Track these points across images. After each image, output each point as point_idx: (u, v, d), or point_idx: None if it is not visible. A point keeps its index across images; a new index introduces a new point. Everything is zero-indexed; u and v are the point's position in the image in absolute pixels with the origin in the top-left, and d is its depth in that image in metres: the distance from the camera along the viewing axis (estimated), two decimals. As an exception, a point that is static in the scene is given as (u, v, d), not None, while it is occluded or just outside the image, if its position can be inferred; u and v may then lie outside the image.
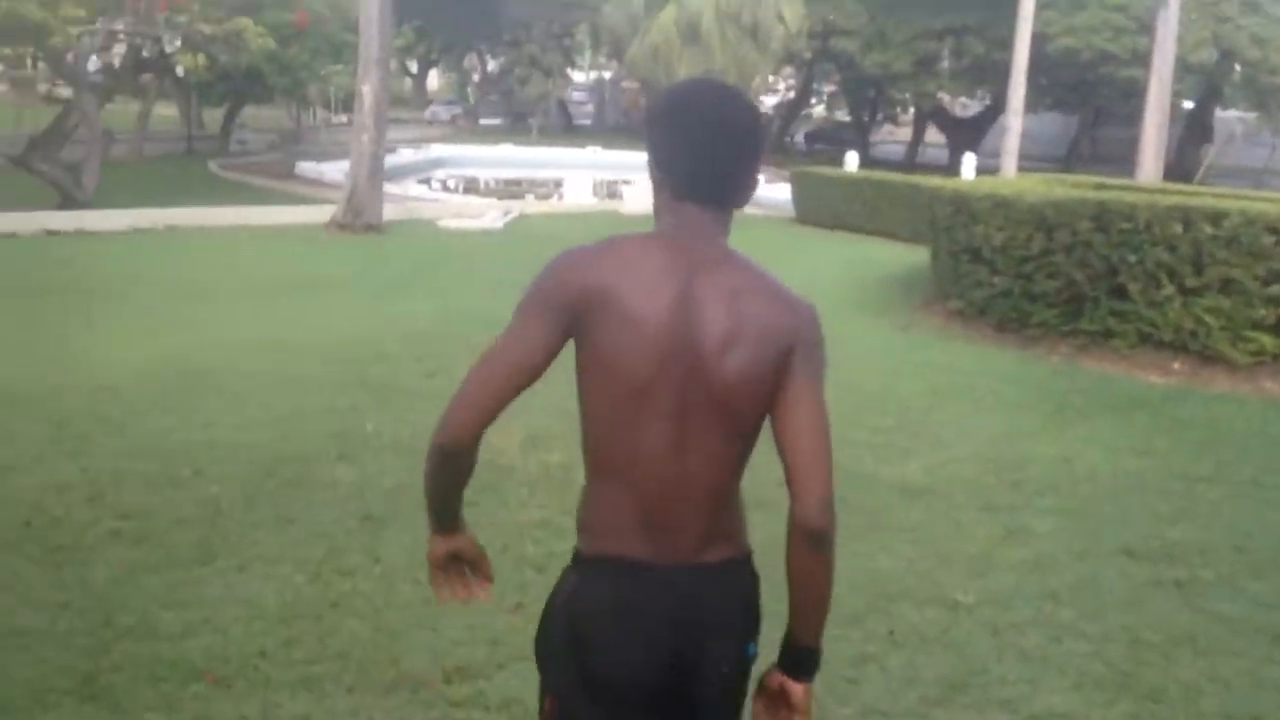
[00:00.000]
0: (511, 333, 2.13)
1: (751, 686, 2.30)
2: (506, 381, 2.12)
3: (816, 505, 2.10)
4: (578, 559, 2.28)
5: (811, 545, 2.13)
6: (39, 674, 4.00)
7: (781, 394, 2.13)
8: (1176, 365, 9.65)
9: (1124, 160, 30.43)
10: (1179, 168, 33.90)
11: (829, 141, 53.19)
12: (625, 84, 56.82)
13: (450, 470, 2.29)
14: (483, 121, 58.77)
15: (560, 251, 2.20)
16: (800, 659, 2.23)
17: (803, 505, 2.11)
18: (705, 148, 2.17)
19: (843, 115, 56.68)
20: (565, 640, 2.23)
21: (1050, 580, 5.17)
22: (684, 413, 2.12)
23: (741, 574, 2.26)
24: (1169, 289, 9.60)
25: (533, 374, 2.12)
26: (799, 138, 56.64)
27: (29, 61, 24.47)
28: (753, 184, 2.27)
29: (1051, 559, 5.44)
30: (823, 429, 2.14)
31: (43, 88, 27.94)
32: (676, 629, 2.17)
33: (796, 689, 2.22)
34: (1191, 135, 40.33)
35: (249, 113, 49.82)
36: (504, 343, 2.13)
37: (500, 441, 6.90)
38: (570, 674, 2.22)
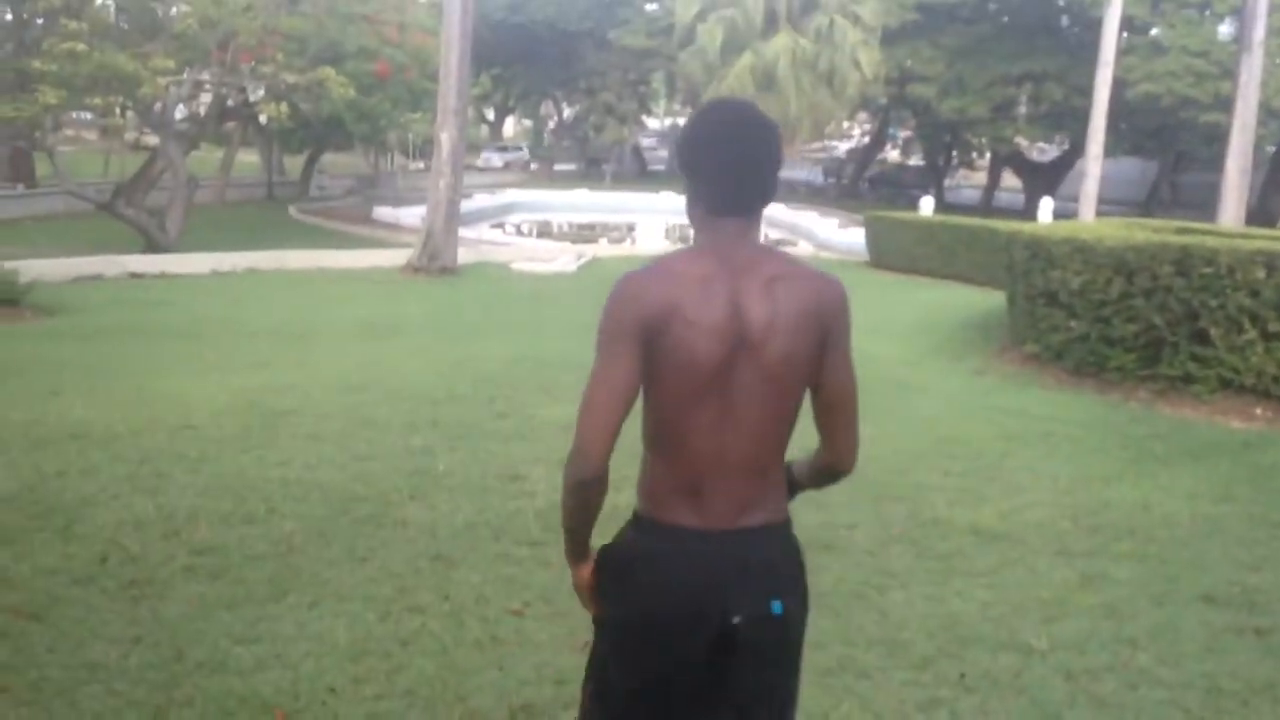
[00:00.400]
0: (604, 364, 2.41)
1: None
2: (615, 406, 2.39)
3: (849, 456, 2.61)
4: (637, 519, 2.58)
5: (835, 479, 2.69)
6: (110, 707, 4.04)
7: (822, 364, 2.49)
8: (1258, 411, 9.45)
9: (1205, 205, 30.00)
10: (1261, 212, 33.37)
11: (893, 185, 53.21)
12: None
13: (590, 501, 2.50)
14: (557, 167, 59.35)
15: (618, 280, 2.45)
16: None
17: (837, 455, 2.61)
18: (729, 170, 2.47)
19: (917, 160, 56.50)
20: (616, 583, 2.56)
21: (1127, 626, 5.06)
22: (735, 394, 2.43)
23: (775, 538, 2.56)
24: (1251, 334, 9.43)
25: (633, 394, 2.42)
26: (862, 183, 56.61)
27: (118, 110, 25.08)
28: (774, 189, 2.52)
29: (1129, 605, 5.32)
30: (854, 393, 2.57)
31: (130, 136, 28.66)
32: (711, 584, 2.45)
33: None
34: (1274, 180, 39.69)
35: (328, 159, 50.78)
36: (601, 375, 2.40)
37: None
38: (619, 613, 2.54)
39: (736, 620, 2.45)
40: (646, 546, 2.52)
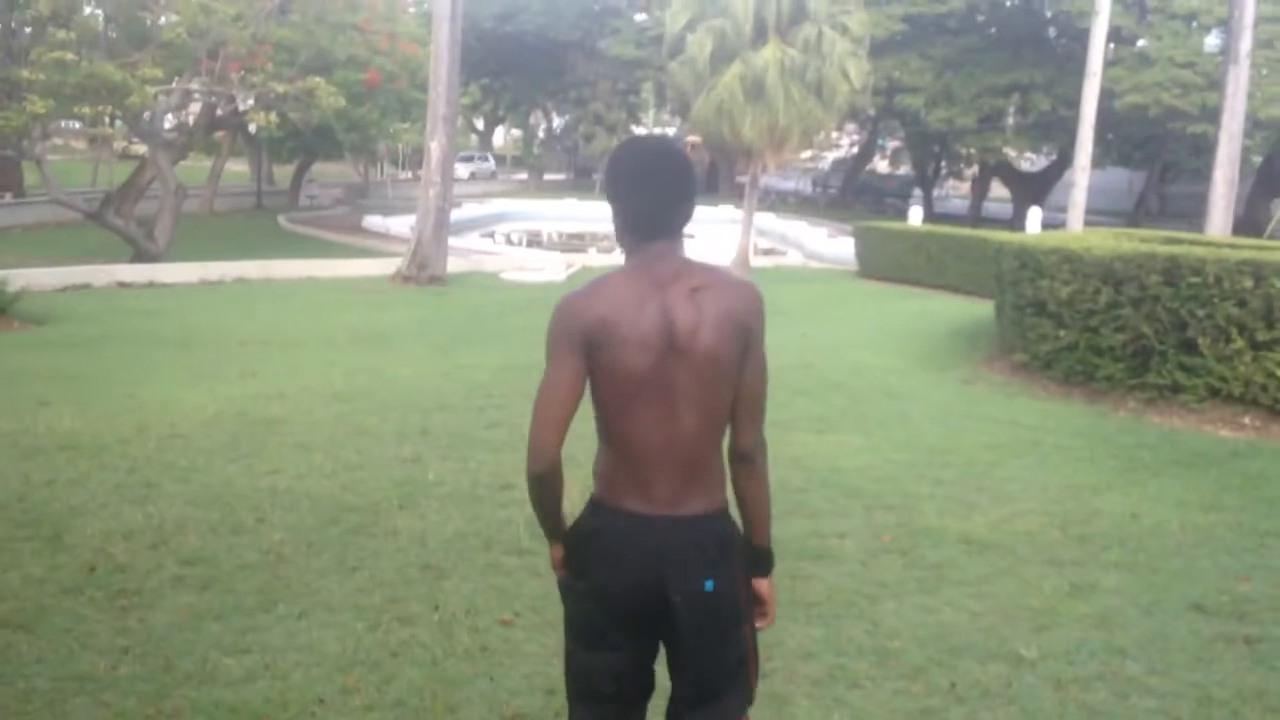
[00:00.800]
0: (550, 373, 2.77)
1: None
2: (563, 405, 2.74)
3: (751, 439, 2.85)
4: (593, 502, 2.91)
5: (746, 467, 2.88)
6: (99, 718, 4.03)
7: (744, 363, 2.79)
8: (1247, 420, 9.49)
9: (1192, 215, 30.16)
10: (1248, 222, 33.46)
11: (874, 193, 53.57)
12: (690, 138, 57.11)
13: (548, 490, 2.82)
14: (546, 177, 59.32)
15: (561, 299, 2.80)
16: (758, 559, 2.96)
17: (741, 439, 2.85)
18: (650, 201, 2.81)
19: (904, 170, 56.67)
20: (575, 557, 2.92)
21: (1117, 636, 5.07)
22: (670, 395, 2.75)
23: (712, 523, 2.85)
24: (1239, 343, 9.46)
25: (578, 393, 2.76)
26: (832, 190, 56.57)
27: (106, 119, 25.02)
28: (691, 212, 2.86)
29: (1118, 614, 5.33)
30: (763, 384, 2.86)
31: (119, 145, 28.57)
32: (650, 562, 2.79)
33: (761, 584, 2.97)
34: (1261, 190, 39.82)
35: (317, 168, 50.73)
36: (551, 378, 2.76)
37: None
38: (583, 583, 2.89)
39: (677, 599, 2.79)
40: (599, 526, 2.86)
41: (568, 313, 2.77)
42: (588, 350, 2.73)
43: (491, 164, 63.14)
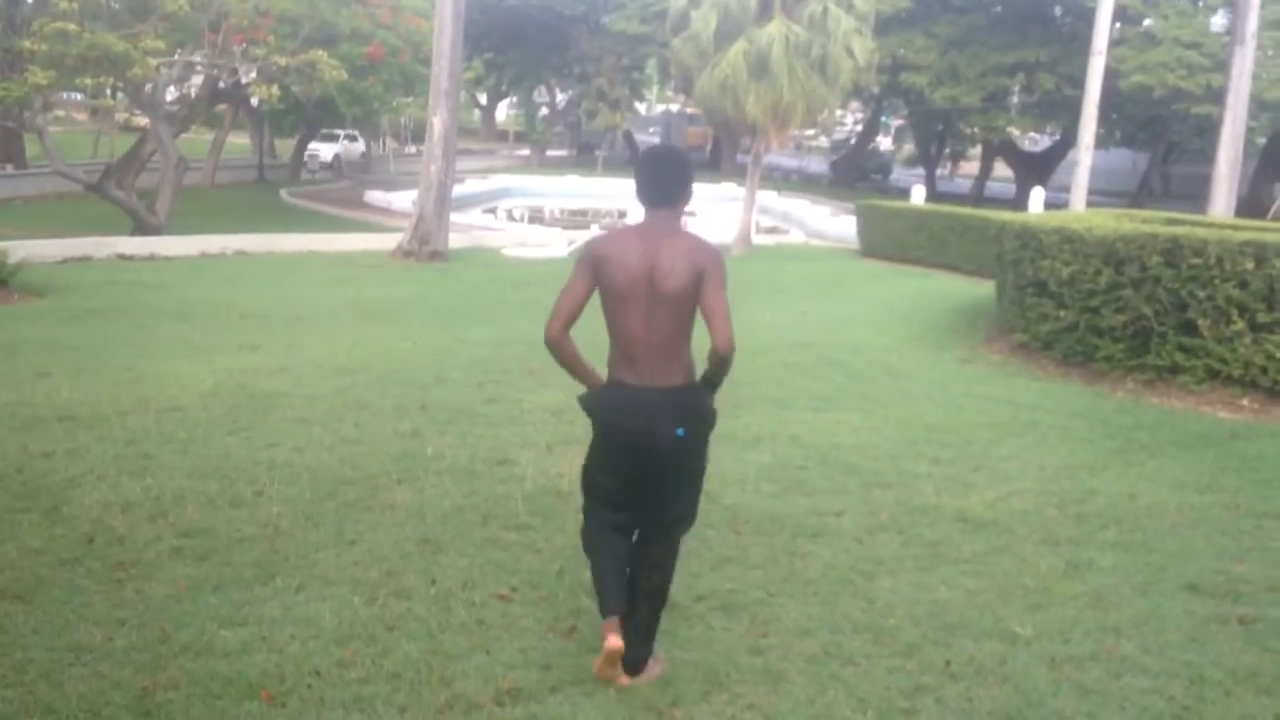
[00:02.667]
0: (570, 279, 4.20)
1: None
2: (571, 302, 4.18)
3: (724, 344, 4.00)
4: (608, 380, 4.26)
5: (720, 363, 4.08)
6: (95, 689, 4.04)
7: (701, 294, 4.04)
8: (1245, 401, 9.48)
9: (1196, 196, 30.05)
10: (1252, 203, 33.40)
11: (855, 169, 53.73)
12: (691, 112, 56.90)
13: (559, 356, 4.22)
14: (549, 153, 59.15)
15: (588, 239, 3.87)
16: (705, 384, 4.22)
17: (716, 344, 4.01)
18: (653, 181, 4.24)
19: (884, 147, 56.71)
20: (592, 411, 4.33)
21: (1111, 615, 5.08)
22: (647, 307, 4.10)
23: (681, 393, 4.16)
24: (1239, 324, 9.44)
25: (584, 298, 4.20)
26: (816, 167, 56.38)
27: (108, 91, 24.94)
28: (686, 193, 4.26)
29: (1113, 593, 5.34)
30: (725, 310, 4.02)
31: (120, 117, 28.47)
32: (640, 415, 4.14)
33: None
34: (1265, 171, 39.73)
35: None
36: (568, 284, 4.20)
37: (558, 467, 6.92)
38: (598, 433, 4.35)
39: (662, 442, 4.12)
40: (605, 392, 4.27)
41: (588, 246, 4.28)
42: (594, 271, 4.15)
43: (361, 145, 52.91)
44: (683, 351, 4.16)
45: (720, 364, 4.09)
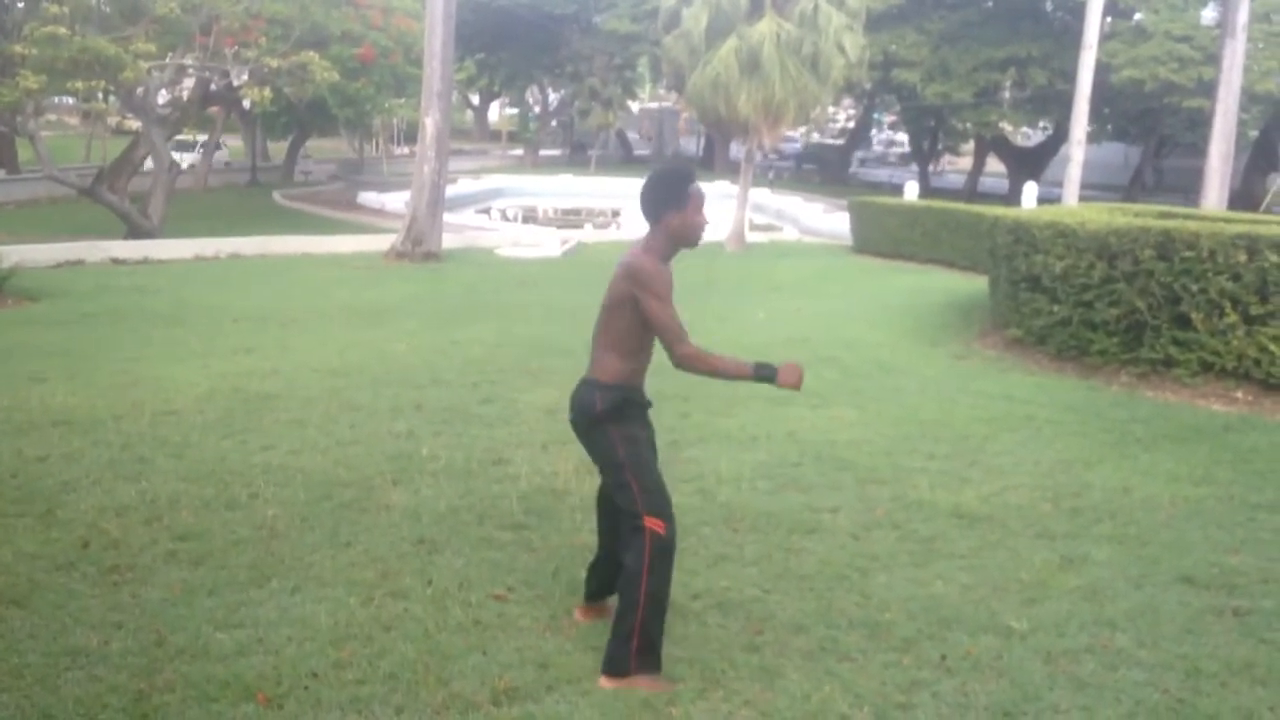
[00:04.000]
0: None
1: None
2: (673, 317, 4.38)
3: (672, 355, 4.29)
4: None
5: (684, 370, 4.35)
6: (91, 693, 4.04)
7: (635, 305, 4.28)
8: (1239, 394, 9.49)
9: (1188, 189, 30.14)
10: (1244, 196, 33.45)
11: (818, 162, 53.96)
12: (681, 111, 56.88)
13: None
14: (543, 152, 59.12)
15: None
16: (760, 377, 4.38)
17: (672, 356, 4.29)
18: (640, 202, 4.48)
19: (840, 141, 56.82)
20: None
21: (1106, 608, 5.09)
22: (601, 314, 4.43)
23: (591, 385, 4.40)
24: (1233, 317, 9.46)
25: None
26: (776, 159, 56.27)
27: (100, 95, 24.89)
28: (652, 211, 4.39)
29: (1108, 586, 5.35)
30: (660, 320, 4.25)
31: (112, 120, 28.38)
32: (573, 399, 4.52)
33: (784, 376, 4.38)
34: (1257, 164, 39.81)
35: (312, 144, 50.50)
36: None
37: (553, 466, 6.93)
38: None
39: (571, 417, 4.50)
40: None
41: None
42: None
43: (225, 153, 48.59)
44: (609, 353, 4.40)
45: (693, 372, 4.36)
